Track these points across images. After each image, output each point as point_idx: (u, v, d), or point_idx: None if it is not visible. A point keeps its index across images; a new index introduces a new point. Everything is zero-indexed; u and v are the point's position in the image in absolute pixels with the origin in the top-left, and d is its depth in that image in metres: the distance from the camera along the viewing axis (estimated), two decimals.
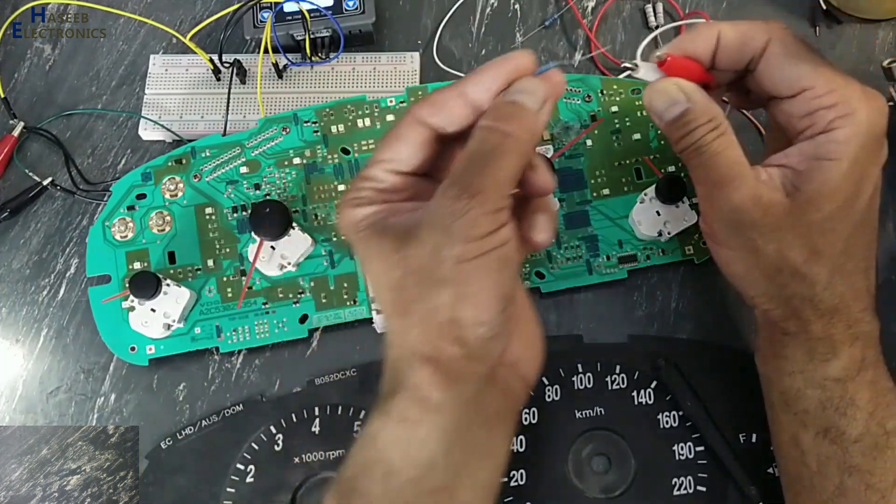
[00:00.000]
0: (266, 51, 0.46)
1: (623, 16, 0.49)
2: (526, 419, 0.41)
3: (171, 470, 0.41)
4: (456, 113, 0.33)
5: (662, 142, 0.44)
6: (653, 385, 0.41)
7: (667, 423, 0.41)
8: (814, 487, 0.34)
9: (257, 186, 0.44)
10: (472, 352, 0.31)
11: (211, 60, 0.47)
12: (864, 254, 0.34)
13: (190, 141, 0.46)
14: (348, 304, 0.43)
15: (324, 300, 0.43)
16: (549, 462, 0.41)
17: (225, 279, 0.43)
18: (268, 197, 0.44)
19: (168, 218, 0.44)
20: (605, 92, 0.45)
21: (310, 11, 0.46)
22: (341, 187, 0.44)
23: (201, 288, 0.43)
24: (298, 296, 0.43)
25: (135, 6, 0.52)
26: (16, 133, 0.48)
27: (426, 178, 0.33)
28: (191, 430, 0.42)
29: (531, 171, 0.33)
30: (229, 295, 0.43)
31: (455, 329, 0.31)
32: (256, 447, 0.41)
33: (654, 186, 0.42)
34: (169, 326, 0.42)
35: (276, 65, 0.47)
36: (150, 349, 0.43)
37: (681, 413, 0.41)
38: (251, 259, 0.42)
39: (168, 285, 0.42)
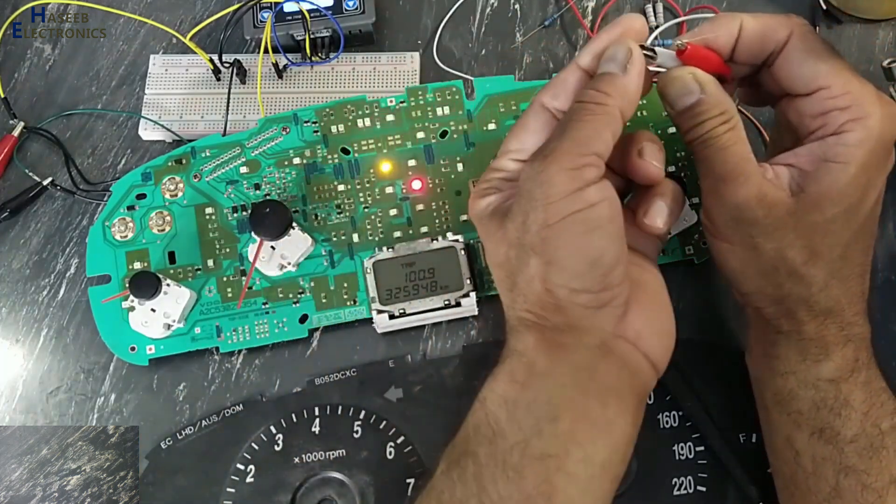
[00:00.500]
0: (266, 51, 0.46)
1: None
2: None
3: (171, 470, 0.41)
4: (577, 89, 0.34)
5: (662, 141, 0.44)
6: None
7: (667, 423, 0.41)
8: (809, 489, 0.34)
9: (257, 186, 0.44)
10: (576, 321, 0.31)
11: (211, 60, 0.47)
12: (861, 258, 0.34)
13: (190, 141, 0.46)
14: (348, 304, 0.43)
15: (324, 300, 0.43)
16: None
17: (225, 279, 0.43)
18: (268, 197, 0.44)
19: (168, 218, 0.44)
20: None
21: (310, 11, 0.46)
22: (341, 187, 0.44)
23: (201, 288, 0.43)
24: (298, 296, 0.43)
25: (135, 6, 0.52)
26: (16, 133, 0.48)
27: None
28: (191, 430, 0.42)
29: (638, 157, 0.34)
30: (229, 295, 0.43)
31: (552, 298, 0.31)
32: (256, 447, 0.41)
33: None
34: (169, 326, 0.42)
35: (276, 65, 0.47)
36: (150, 349, 0.43)
37: (681, 413, 0.41)
38: (251, 259, 0.42)
39: (168, 285, 0.42)
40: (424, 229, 0.44)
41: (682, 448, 0.40)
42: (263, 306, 0.43)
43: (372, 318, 0.42)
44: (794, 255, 0.33)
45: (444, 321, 0.43)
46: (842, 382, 0.34)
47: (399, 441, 0.41)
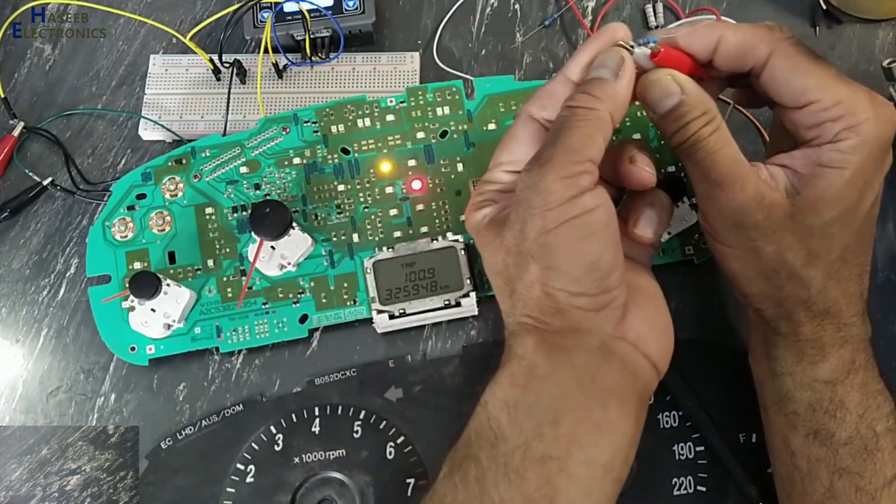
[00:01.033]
0: (266, 51, 0.46)
1: (623, 16, 0.49)
2: None
3: (171, 470, 0.41)
4: (563, 100, 0.34)
5: (662, 142, 0.44)
6: None
7: (667, 423, 0.41)
8: (804, 489, 0.34)
9: (257, 186, 0.44)
10: (576, 324, 0.32)
11: (211, 60, 0.47)
12: (859, 259, 0.34)
13: (190, 141, 0.46)
14: (348, 304, 0.43)
15: (324, 300, 0.43)
16: None
17: (225, 279, 0.43)
18: (268, 197, 0.44)
19: (168, 218, 0.44)
20: None
21: (310, 11, 0.46)
22: (341, 187, 0.44)
23: (201, 288, 0.43)
24: (298, 296, 0.43)
25: (135, 6, 0.52)
26: (16, 133, 0.48)
27: None
28: (191, 430, 0.42)
29: (630, 163, 0.34)
30: (229, 295, 0.43)
31: (552, 302, 0.32)
32: (256, 447, 0.41)
33: None
34: (169, 326, 0.42)
35: (276, 65, 0.47)
36: (150, 349, 0.43)
37: (681, 413, 0.41)
38: (251, 259, 0.42)
39: (168, 285, 0.42)
40: (424, 229, 0.44)
41: (682, 448, 0.40)
42: (263, 306, 0.43)
43: (372, 318, 0.42)
44: (794, 257, 0.33)
45: (444, 321, 0.43)
46: (837, 384, 0.34)
47: (399, 441, 0.41)
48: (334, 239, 0.44)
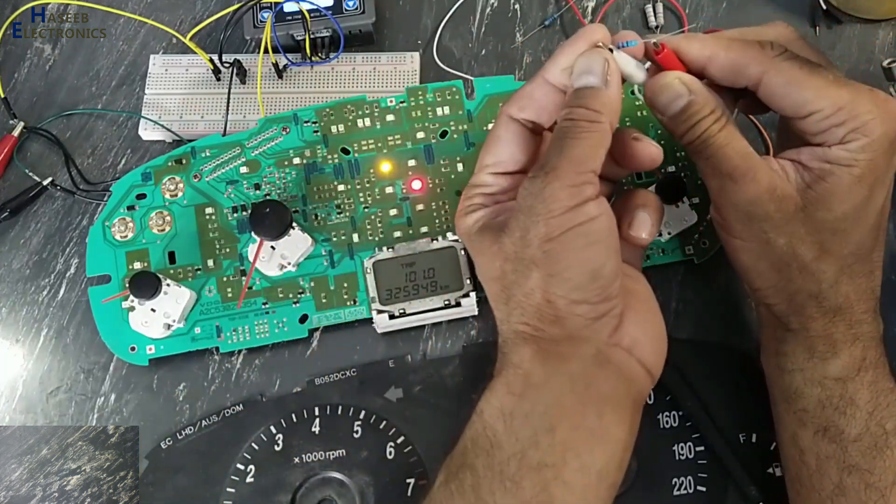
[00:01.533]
0: (266, 51, 0.46)
1: (623, 16, 0.49)
2: None
3: (171, 470, 0.41)
4: (543, 102, 0.34)
5: (662, 142, 0.44)
6: None
7: (667, 423, 0.41)
8: (813, 486, 0.34)
9: (257, 186, 0.44)
10: (574, 332, 0.32)
11: (211, 60, 0.47)
12: (872, 256, 0.34)
13: (190, 141, 0.46)
14: (348, 304, 0.43)
15: (324, 300, 0.43)
16: None
17: (225, 279, 0.43)
18: (268, 197, 0.44)
19: (168, 218, 0.44)
20: None
21: (310, 11, 0.46)
22: (341, 187, 0.44)
23: (201, 288, 0.43)
24: (298, 296, 0.43)
25: (135, 6, 0.52)
26: (16, 133, 0.48)
27: None
28: (191, 430, 0.42)
29: (636, 142, 0.34)
30: (229, 295, 0.43)
31: (552, 309, 0.32)
32: (256, 447, 0.41)
33: (653, 186, 0.42)
34: (169, 326, 0.42)
35: (276, 65, 0.47)
36: (150, 349, 0.43)
37: (681, 413, 0.41)
38: (251, 259, 0.42)
39: (168, 285, 0.42)
40: (424, 229, 0.44)
41: (682, 448, 0.40)
42: (263, 306, 0.43)
43: (372, 318, 0.42)
44: (805, 251, 0.33)
45: (444, 321, 0.43)
46: (848, 381, 0.34)
47: (399, 441, 0.41)
48: (334, 239, 0.44)
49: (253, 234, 0.42)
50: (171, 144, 0.48)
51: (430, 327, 0.44)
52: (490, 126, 0.44)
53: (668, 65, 0.34)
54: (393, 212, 0.44)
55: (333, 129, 0.45)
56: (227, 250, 0.44)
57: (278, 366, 0.44)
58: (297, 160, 0.45)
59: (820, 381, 0.34)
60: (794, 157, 0.34)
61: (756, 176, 0.33)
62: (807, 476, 0.35)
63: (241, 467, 0.41)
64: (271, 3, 0.46)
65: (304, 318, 0.43)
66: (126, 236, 0.44)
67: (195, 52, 0.46)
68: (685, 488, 0.40)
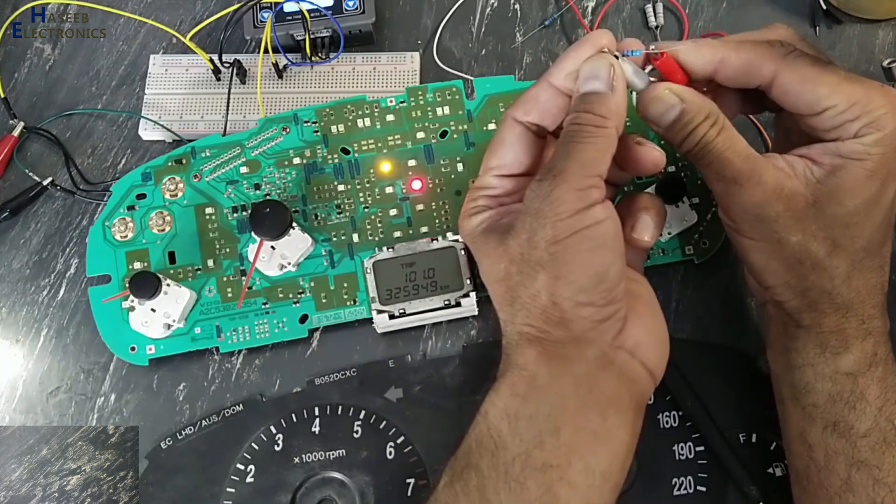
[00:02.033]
0: (266, 51, 0.46)
1: (623, 15, 0.49)
2: None
3: (171, 470, 0.41)
4: (548, 105, 0.35)
5: (662, 142, 0.44)
6: None
7: (667, 423, 0.41)
8: (821, 482, 0.34)
9: (257, 186, 0.44)
10: (579, 334, 0.32)
11: (211, 60, 0.47)
12: (881, 251, 0.35)
13: (190, 141, 0.46)
14: (348, 304, 0.43)
15: (324, 300, 0.43)
16: None
17: (225, 279, 0.43)
18: (268, 197, 0.44)
19: (168, 218, 0.44)
20: None
21: (310, 11, 0.46)
22: (341, 187, 0.44)
23: (201, 288, 0.43)
24: (298, 296, 0.43)
25: (135, 6, 0.52)
26: (16, 133, 0.48)
27: None
28: (191, 430, 0.42)
29: (639, 147, 0.35)
30: (229, 295, 0.43)
31: (557, 312, 0.32)
32: (256, 447, 0.41)
33: (653, 186, 0.42)
34: (169, 326, 0.42)
35: (276, 65, 0.47)
36: (150, 349, 0.43)
37: (681, 413, 0.41)
38: (251, 259, 0.42)
39: (168, 285, 0.42)
40: (424, 229, 0.44)
41: (682, 448, 0.40)
42: (263, 306, 0.43)
43: (372, 318, 0.42)
44: (818, 247, 0.33)
45: (444, 321, 0.43)
46: (859, 376, 0.34)
47: (399, 441, 0.41)
48: (334, 239, 0.44)
49: (253, 234, 0.42)
50: (171, 144, 0.48)
51: (430, 327, 0.44)
52: (490, 126, 0.45)
53: (668, 70, 0.34)
54: (393, 212, 0.44)
55: (333, 129, 0.45)
56: (227, 250, 0.44)
57: (278, 366, 0.44)
58: (297, 160, 0.45)
59: (831, 376, 0.34)
60: (804, 153, 0.34)
61: (761, 178, 0.33)
62: (815, 472, 0.35)
63: (241, 467, 0.41)
64: (271, 3, 0.46)
65: (304, 318, 0.43)
66: (126, 236, 0.44)
67: (195, 52, 0.46)
68: (685, 488, 0.40)
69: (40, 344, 0.45)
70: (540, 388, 0.32)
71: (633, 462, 0.40)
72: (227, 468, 0.41)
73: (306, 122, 0.45)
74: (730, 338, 0.43)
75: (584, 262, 0.32)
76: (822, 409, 0.34)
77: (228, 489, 0.41)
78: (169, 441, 0.42)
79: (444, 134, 0.45)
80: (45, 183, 0.47)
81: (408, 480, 0.41)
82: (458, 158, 0.44)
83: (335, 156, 0.45)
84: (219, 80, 0.48)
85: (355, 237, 0.44)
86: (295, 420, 0.42)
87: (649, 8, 0.49)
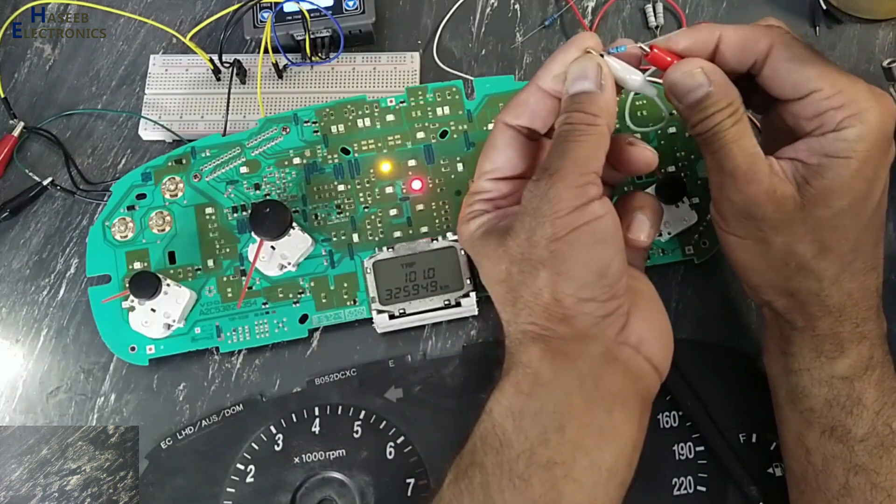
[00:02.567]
0: (266, 51, 0.46)
1: (623, 15, 0.49)
2: None
3: (171, 470, 0.41)
4: (537, 108, 0.35)
5: (662, 142, 0.44)
6: None
7: (667, 423, 0.41)
8: (819, 486, 0.34)
9: (257, 186, 0.44)
10: (583, 330, 0.32)
11: (211, 60, 0.47)
12: (872, 253, 0.34)
13: (190, 141, 0.46)
14: (348, 304, 0.43)
15: (324, 300, 0.43)
16: None
17: (225, 279, 0.43)
18: (268, 197, 0.44)
19: (168, 218, 0.44)
20: None
21: (310, 11, 0.46)
22: (341, 187, 0.44)
23: (201, 288, 0.43)
24: (298, 296, 0.43)
25: (135, 6, 0.52)
26: (16, 133, 0.48)
27: None
28: (191, 430, 0.42)
29: (631, 147, 0.35)
30: (229, 295, 0.43)
31: (560, 308, 0.32)
32: (256, 447, 0.41)
33: (653, 186, 0.42)
34: (169, 326, 0.42)
35: (276, 65, 0.47)
36: (150, 349, 0.43)
37: (681, 413, 0.41)
38: (251, 259, 0.42)
39: (168, 285, 0.42)
40: (424, 229, 0.44)
41: (682, 448, 0.40)
42: (263, 306, 0.43)
43: (372, 318, 0.42)
44: (804, 249, 0.33)
45: (444, 321, 0.43)
46: (855, 380, 0.34)
47: (399, 441, 0.41)
48: (334, 239, 0.44)
49: (253, 234, 0.42)
50: (171, 144, 0.48)
51: (430, 327, 0.44)
52: (490, 126, 0.45)
53: (661, 65, 0.34)
54: (393, 212, 0.44)
55: (333, 129, 0.45)
56: (227, 250, 0.44)
57: (278, 366, 0.44)
58: (297, 160, 0.45)
59: (827, 381, 0.34)
60: (792, 154, 0.34)
61: (757, 177, 0.33)
62: (812, 476, 0.35)
63: (241, 467, 0.41)
64: (271, 3, 0.46)
65: (304, 318, 0.43)
66: (126, 236, 0.44)
67: (195, 52, 0.46)
68: (685, 488, 0.40)
69: (40, 344, 0.45)
70: (544, 384, 0.32)
71: None
72: (227, 468, 0.41)
73: (306, 122, 0.45)
74: (730, 338, 0.43)
75: (584, 257, 0.32)
76: (820, 414, 0.34)
77: (228, 489, 0.41)
78: (169, 441, 0.42)
79: (444, 134, 0.45)
80: (45, 183, 0.47)
81: (408, 480, 0.41)
82: (458, 158, 0.44)
83: (335, 156, 0.45)
84: (219, 80, 0.48)
85: (355, 237, 0.44)
86: (295, 420, 0.42)
87: (649, 8, 0.49)
